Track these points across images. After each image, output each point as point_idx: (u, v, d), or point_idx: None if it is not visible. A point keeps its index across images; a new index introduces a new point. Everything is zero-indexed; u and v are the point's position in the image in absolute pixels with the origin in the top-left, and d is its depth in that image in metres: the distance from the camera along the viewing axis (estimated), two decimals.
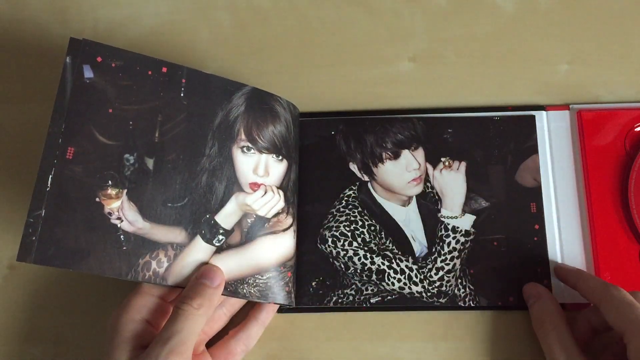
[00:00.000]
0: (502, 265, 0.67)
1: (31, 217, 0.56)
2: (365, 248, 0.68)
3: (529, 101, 0.72)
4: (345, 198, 0.70)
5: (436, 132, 0.71)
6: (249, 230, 0.64)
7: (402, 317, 0.68)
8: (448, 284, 0.67)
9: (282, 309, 0.68)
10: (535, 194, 0.69)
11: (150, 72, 0.63)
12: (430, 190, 0.70)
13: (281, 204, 0.66)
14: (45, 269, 0.70)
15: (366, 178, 0.70)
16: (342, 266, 0.68)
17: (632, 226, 0.66)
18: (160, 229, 0.60)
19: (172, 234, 0.61)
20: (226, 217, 0.63)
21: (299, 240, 0.68)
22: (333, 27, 0.77)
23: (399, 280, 0.67)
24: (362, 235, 0.68)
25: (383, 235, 0.69)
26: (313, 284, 0.68)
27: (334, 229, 0.69)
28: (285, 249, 0.65)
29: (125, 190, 0.60)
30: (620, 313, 0.57)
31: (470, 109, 0.73)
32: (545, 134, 0.71)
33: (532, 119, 0.71)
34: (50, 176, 0.58)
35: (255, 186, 0.64)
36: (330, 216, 0.69)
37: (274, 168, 0.66)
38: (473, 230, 0.68)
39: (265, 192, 0.65)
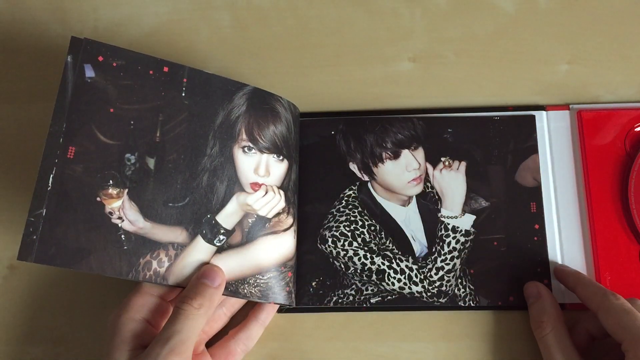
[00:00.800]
0: (502, 265, 0.67)
1: (32, 216, 0.56)
2: (366, 248, 0.68)
3: (529, 101, 0.72)
4: (345, 198, 0.70)
5: (436, 132, 0.71)
6: (249, 230, 0.64)
7: (402, 317, 0.68)
8: (448, 284, 0.67)
9: (282, 309, 0.68)
10: (535, 193, 0.69)
11: (151, 72, 0.63)
12: (430, 190, 0.70)
13: (282, 204, 0.66)
14: (45, 268, 0.70)
15: (366, 178, 0.70)
16: (342, 266, 0.68)
17: (632, 226, 0.66)
18: (161, 228, 0.60)
19: (173, 234, 0.61)
20: (227, 217, 0.63)
21: (299, 240, 0.68)
22: (333, 27, 0.77)
23: (399, 280, 0.67)
24: (362, 235, 0.68)
25: (383, 235, 0.69)
26: (313, 284, 0.68)
27: (334, 229, 0.69)
28: (285, 249, 0.65)
29: (126, 190, 0.60)
30: (618, 321, 0.57)
31: (470, 109, 0.73)
32: (545, 134, 0.71)
33: (532, 119, 0.71)
34: (51, 175, 0.58)
35: (256, 186, 0.64)
36: (330, 216, 0.69)
37: (275, 168, 0.66)
38: (473, 230, 0.68)
39: (266, 192, 0.65)
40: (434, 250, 0.68)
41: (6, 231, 0.71)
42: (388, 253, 0.68)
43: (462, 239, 0.68)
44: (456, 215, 0.69)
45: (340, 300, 0.67)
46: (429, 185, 0.70)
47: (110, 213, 0.59)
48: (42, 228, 0.56)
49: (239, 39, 0.77)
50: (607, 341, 0.62)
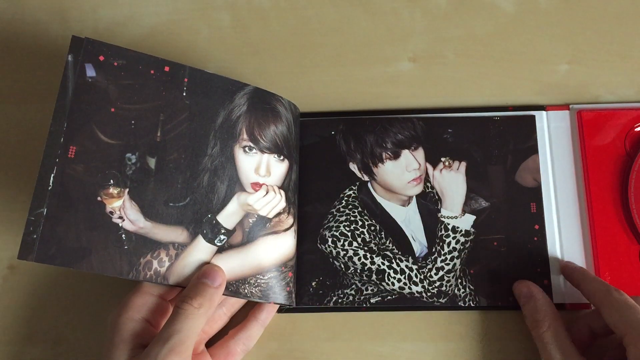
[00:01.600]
0: (502, 265, 0.67)
1: (32, 215, 0.56)
2: (365, 248, 0.68)
3: (529, 101, 0.72)
4: (345, 198, 0.70)
5: (436, 132, 0.71)
6: (250, 230, 0.64)
7: (402, 317, 0.68)
8: (448, 284, 0.67)
9: (282, 309, 0.68)
10: (535, 194, 0.69)
11: (152, 72, 0.63)
12: (430, 190, 0.70)
13: (282, 204, 0.66)
14: (45, 268, 0.70)
15: (366, 178, 0.70)
16: (342, 266, 0.68)
17: (632, 226, 0.66)
18: (161, 228, 0.60)
19: (173, 234, 0.61)
20: (228, 216, 0.63)
21: (299, 240, 0.68)
22: (333, 27, 0.77)
23: (399, 280, 0.67)
24: (362, 235, 0.68)
25: (383, 235, 0.69)
26: (313, 284, 0.68)
27: (334, 229, 0.69)
28: (286, 249, 0.65)
29: (126, 190, 0.60)
30: (621, 316, 0.57)
31: (470, 109, 0.73)
32: (545, 134, 0.71)
33: (532, 119, 0.71)
34: (52, 175, 0.58)
35: (257, 186, 0.64)
36: (330, 216, 0.69)
37: (276, 168, 0.66)
38: (473, 230, 0.68)
39: (267, 192, 0.65)
40: (434, 250, 0.68)
41: (6, 231, 0.71)
42: (388, 253, 0.68)
43: (462, 239, 0.68)
44: (456, 215, 0.69)
45: (340, 300, 0.67)
46: (429, 185, 0.70)
47: (111, 212, 0.59)
48: (43, 227, 0.56)
49: (239, 39, 0.77)
50: (609, 338, 0.62)
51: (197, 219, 0.62)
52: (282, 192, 0.66)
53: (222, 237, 0.62)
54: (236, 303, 0.66)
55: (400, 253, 0.68)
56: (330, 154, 0.72)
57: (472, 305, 0.67)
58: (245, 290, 0.62)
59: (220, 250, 0.62)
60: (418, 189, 0.70)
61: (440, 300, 0.67)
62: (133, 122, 0.61)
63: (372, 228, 0.69)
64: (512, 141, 0.70)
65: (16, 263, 0.70)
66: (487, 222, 0.68)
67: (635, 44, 0.74)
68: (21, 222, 0.57)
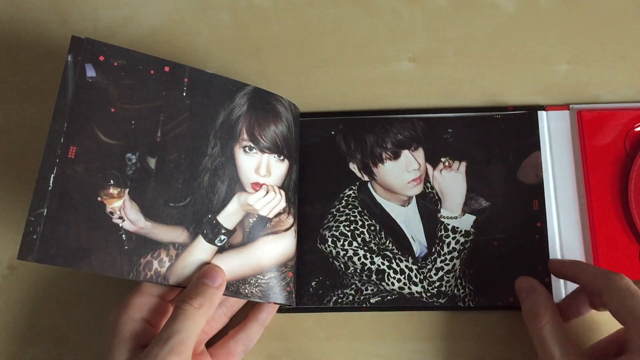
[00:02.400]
0: (502, 265, 0.67)
1: (32, 215, 0.56)
2: (365, 248, 0.68)
3: (529, 101, 0.72)
4: (345, 198, 0.70)
5: (436, 132, 0.71)
6: (250, 230, 0.64)
7: (402, 317, 0.68)
8: (447, 284, 0.67)
9: (282, 309, 0.68)
10: (537, 190, 0.69)
11: (152, 72, 0.63)
12: (430, 190, 0.70)
13: (282, 204, 0.66)
14: (45, 268, 0.70)
15: (366, 178, 0.70)
16: (342, 266, 0.68)
17: (632, 226, 0.66)
18: (162, 228, 0.60)
19: (174, 234, 0.61)
20: (228, 217, 0.63)
21: (299, 240, 0.68)
22: (333, 27, 0.77)
23: (399, 281, 0.67)
24: (362, 235, 0.68)
25: (383, 235, 0.69)
26: (313, 283, 0.68)
27: (334, 228, 0.69)
28: (286, 249, 0.65)
29: (127, 190, 0.60)
30: (623, 304, 0.55)
31: (470, 109, 0.73)
32: (545, 134, 0.71)
33: (534, 116, 0.71)
34: (52, 175, 0.58)
35: (257, 186, 0.65)
36: (330, 216, 0.69)
37: (276, 168, 0.66)
38: (473, 230, 0.68)
39: (267, 192, 0.65)
40: (433, 250, 0.68)
41: (6, 231, 0.71)
42: (388, 253, 0.68)
43: (462, 240, 0.68)
44: (456, 215, 0.69)
45: (340, 300, 0.67)
46: (429, 185, 0.70)
47: (111, 213, 0.59)
48: (43, 227, 0.56)
49: (239, 39, 0.77)
50: (609, 339, 0.61)
51: (198, 219, 0.62)
52: (282, 192, 0.66)
53: (223, 237, 0.62)
54: (236, 303, 0.66)
55: (400, 253, 0.68)
56: (330, 154, 0.72)
57: (471, 305, 0.66)
58: (246, 291, 0.62)
59: (221, 250, 0.62)
60: (418, 189, 0.70)
61: (440, 300, 0.67)
62: (133, 122, 0.61)
63: (372, 228, 0.69)
64: (514, 139, 0.70)
65: (16, 263, 0.70)
66: (488, 222, 0.68)
67: (635, 44, 0.74)
68: (21, 222, 0.57)
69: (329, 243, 0.68)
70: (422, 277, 0.67)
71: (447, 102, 0.74)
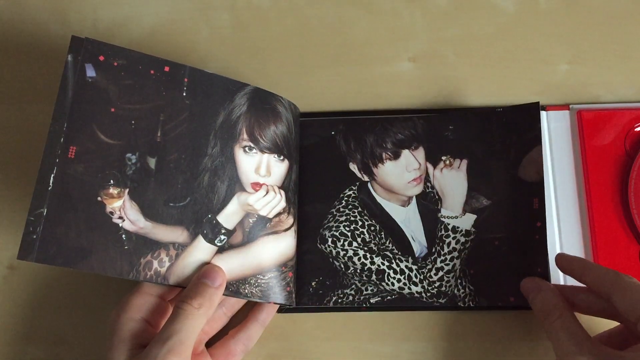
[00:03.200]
0: (503, 265, 0.67)
1: (32, 215, 0.56)
2: (365, 248, 0.68)
3: (529, 101, 0.72)
4: (345, 198, 0.70)
5: (437, 130, 0.71)
6: (250, 230, 0.64)
7: (402, 317, 0.68)
8: (448, 285, 0.67)
9: (282, 309, 0.68)
10: (537, 188, 0.68)
11: (152, 72, 0.63)
12: (430, 190, 0.70)
13: (282, 204, 0.66)
14: (45, 268, 0.70)
15: (366, 178, 0.70)
16: (342, 266, 0.68)
17: (632, 226, 0.66)
18: (162, 228, 0.60)
19: (173, 234, 0.61)
20: (228, 217, 0.63)
21: (299, 240, 0.68)
22: (333, 27, 0.77)
23: (399, 281, 0.67)
24: (362, 235, 0.68)
25: (383, 236, 0.68)
26: (313, 283, 0.68)
27: (334, 229, 0.69)
28: (286, 249, 0.65)
29: (127, 190, 0.60)
30: (636, 299, 0.55)
31: (470, 109, 0.73)
32: (545, 134, 0.71)
33: (536, 108, 0.69)
34: (52, 175, 0.58)
35: (257, 186, 0.65)
36: (330, 216, 0.69)
37: (276, 168, 0.66)
38: (474, 230, 0.68)
39: (267, 192, 0.65)
40: (433, 250, 0.68)
41: (6, 231, 0.71)
42: (388, 253, 0.68)
43: (462, 239, 0.68)
44: (456, 215, 0.69)
45: (340, 300, 0.67)
46: (429, 185, 0.70)
47: (111, 213, 0.59)
48: (43, 227, 0.56)
49: (239, 39, 0.77)
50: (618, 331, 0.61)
51: (198, 219, 0.62)
52: (282, 192, 0.66)
53: (223, 237, 0.62)
54: (236, 303, 0.66)
55: (400, 253, 0.68)
56: (330, 154, 0.72)
57: (471, 305, 0.66)
58: (246, 291, 0.62)
59: (221, 250, 0.62)
60: (418, 189, 0.70)
61: (440, 300, 0.67)
62: (133, 122, 0.61)
63: (372, 228, 0.69)
64: (515, 133, 0.69)
65: (16, 263, 0.70)
66: (488, 221, 0.68)
67: (635, 44, 0.74)
68: (21, 222, 0.57)
69: (329, 243, 0.68)
70: (422, 277, 0.67)
71: (446, 102, 0.74)
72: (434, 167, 0.70)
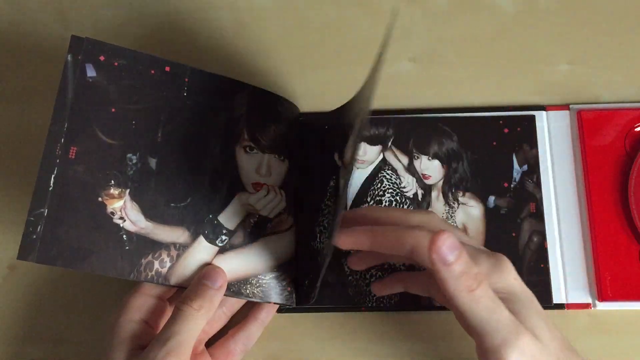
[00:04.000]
0: None
1: (32, 215, 0.56)
2: None
3: (529, 101, 0.73)
4: (329, 190, 0.69)
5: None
6: (251, 231, 0.64)
7: (402, 317, 0.68)
8: None
9: (282, 309, 0.68)
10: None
11: (153, 72, 0.63)
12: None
13: (283, 204, 0.66)
14: (45, 268, 0.70)
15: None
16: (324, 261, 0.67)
17: (632, 226, 0.66)
18: (163, 229, 0.60)
19: (174, 234, 0.61)
20: (229, 217, 0.63)
21: (299, 240, 0.68)
22: (333, 27, 0.77)
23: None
24: None
25: None
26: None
27: (321, 223, 0.68)
28: (287, 248, 0.65)
29: (127, 190, 0.60)
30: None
31: (470, 109, 0.73)
32: (545, 134, 0.71)
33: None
34: (53, 175, 0.57)
35: (258, 186, 0.65)
36: (320, 212, 0.69)
37: (277, 168, 0.66)
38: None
39: (268, 192, 0.65)
40: None
41: (6, 231, 0.71)
42: None
43: None
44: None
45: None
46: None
47: (112, 213, 0.59)
48: (44, 228, 0.56)
49: (239, 39, 0.77)
50: None
51: (199, 220, 0.62)
52: (283, 192, 0.66)
53: (224, 237, 0.62)
54: (236, 303, 0.66)
55: None
56: (329, 154, 0.71)
57: None
58: (247, 291, 0.62)
59: (222, 250, 0.62)
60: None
61: None
62: (134, 122, 0.61)
63: None
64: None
65: (16, 263, 0.70)
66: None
67: (635, 44, 0.75)
68: (21, 222, 0.57)
69: (318, 239, 0.68)
70: None
71: (447, 102, 0.74)
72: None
